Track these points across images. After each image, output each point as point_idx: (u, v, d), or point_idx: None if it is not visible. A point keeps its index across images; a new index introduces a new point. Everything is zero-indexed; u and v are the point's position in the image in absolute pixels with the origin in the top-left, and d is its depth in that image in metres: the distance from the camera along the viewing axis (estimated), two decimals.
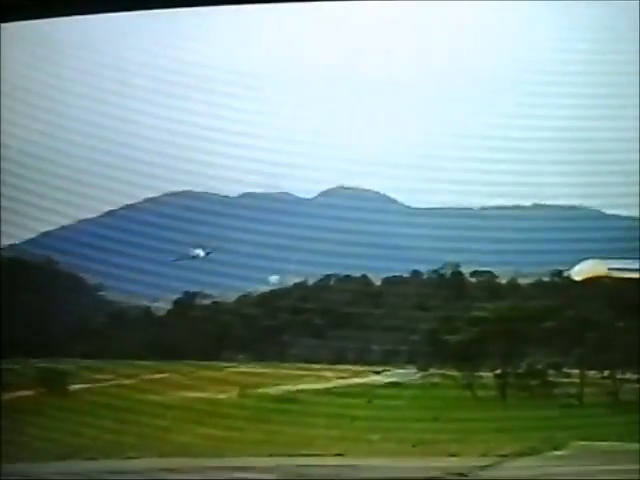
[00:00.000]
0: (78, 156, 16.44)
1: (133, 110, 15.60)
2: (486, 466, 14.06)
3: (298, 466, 14.77)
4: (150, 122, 15.65)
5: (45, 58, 15.77)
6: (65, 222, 17.48)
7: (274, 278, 18.83)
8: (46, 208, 16.56)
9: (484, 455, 14.85)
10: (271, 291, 19.53)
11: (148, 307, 19.61)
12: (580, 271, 13.03)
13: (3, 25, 11.17)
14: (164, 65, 15.27)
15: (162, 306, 19.68)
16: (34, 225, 16.95)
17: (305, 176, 16.36)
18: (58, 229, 17.35)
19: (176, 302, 19.84)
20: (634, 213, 15.24)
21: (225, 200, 17.32)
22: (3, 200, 15.28)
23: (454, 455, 15.13)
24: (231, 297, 19.92)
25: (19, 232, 16.81)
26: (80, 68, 15.83)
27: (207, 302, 19.95)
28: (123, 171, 16.26)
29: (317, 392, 18.30)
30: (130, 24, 12.93)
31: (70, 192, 16.50)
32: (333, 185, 17.87)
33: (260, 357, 19.32)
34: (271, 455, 15.37)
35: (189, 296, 19.81)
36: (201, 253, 17.56)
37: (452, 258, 18.84)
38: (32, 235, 17.28)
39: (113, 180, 16.52)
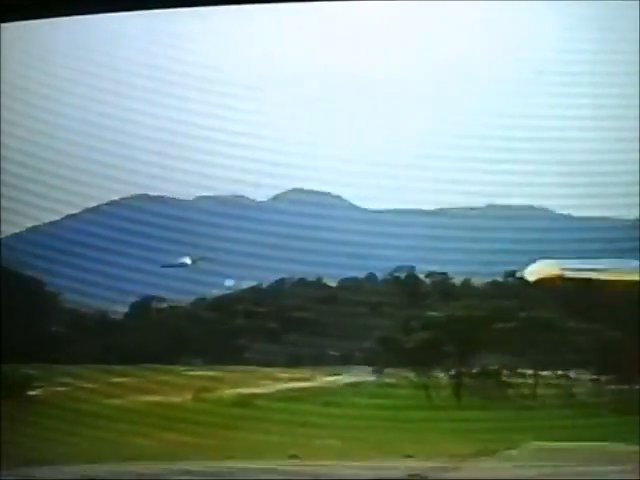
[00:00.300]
0: (78, 156, 16.32)
1: (132, 110, 15.55)
2: (442, 467, 14.02)
3: (253, 469, 14.56)
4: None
5: (45, 58, 15.58)
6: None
7: (229, 282, 18.73)
8: (45, 208, 16.56)
9: (439, 456, 14.82)
10: (226, 295, 19.37)
11: (105, 311, 19.38)
12: (533, 271, 12.99)
13: (3, 25, 11.07)
14: (163, 65, 15.18)
15: (119, 310, 19.48)
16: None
17: (260, 179, 16.33)
18: (25, 231, 17.14)
19: (132, 306, 19.63)
20: (587, 213, 15.31)
21: (182, 204, 17.27)
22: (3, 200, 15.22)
23: (410, 456, 15.08)
24: (186, 301, 19.75)
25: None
26: (80, 68, 15.70)
27: (163, 306, 19.79)
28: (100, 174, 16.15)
29: (272, 396, 18.24)
30: (130, 24, 12.98)
31: (69, 191, 16.44)
32: (288, 188, 17.70)
33: (215, 361, 19.16)
34: (226, 459, 15.17)
35: (145, 300, 19.64)
36: (188, 261, 17.46)
37: (407, 260, 18.80)
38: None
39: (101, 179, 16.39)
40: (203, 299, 19.65)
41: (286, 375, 19.17)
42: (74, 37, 14.77)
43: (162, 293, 19.21)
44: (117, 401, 17.12)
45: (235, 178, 16.18)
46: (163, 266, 17.34)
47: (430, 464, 14.40)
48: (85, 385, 17.42)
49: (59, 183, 16.12)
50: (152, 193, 17.29)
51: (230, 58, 15.41)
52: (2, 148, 14.74)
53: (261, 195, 17.89)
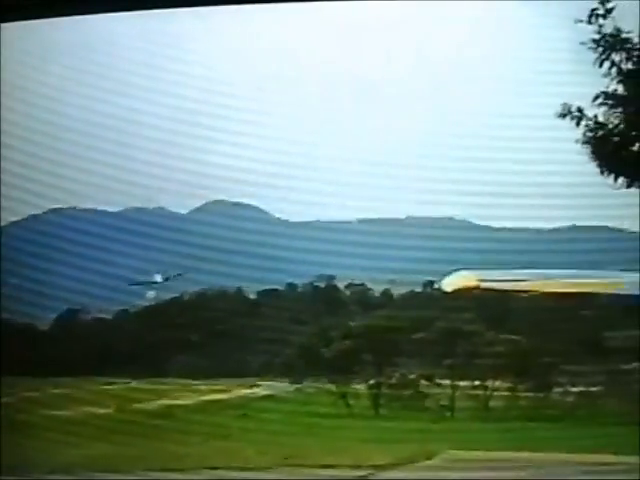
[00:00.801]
0: (78, 156, 16.11)
1: (132, 110, 15.34)
2: (359, 476, 13.91)
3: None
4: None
5: (45, 58, 15.49)
6: None
7: (151, 294, 18.48)
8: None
9: (357, 466, 14.70)
10: (148, 307, 19.10)
11: (32, 323, 18.96)
12: (451, 282, 12.91)
13: (3, 25, 10.84)
14: (163, 65, 14.96)
15: (46, 322, 19.12)
16: None
17: (180, 191, 16.19)
18: None
19: (58, 319, 19.28)
20: (506, 224, 15.36)
21: (107, 214, 17.08)
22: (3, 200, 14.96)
23: (328, 467, 14.94)
24: (110, 313, 19.45)
25: None
26: (80, 68, 15.58)
27: (87, 318, 19.48)
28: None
29: (192, 407, 18.13)
30: (130, 24, 12.60)
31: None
32: (209, 199, 17.62)
33: (138, 373, 18.85)
34: (146, 470, 14.88)
35: (70, 312, 19.31)
36: (159, 279, 17.48)
37: (327, 270, 18.76)
38: None
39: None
40: (126, 311, 19.39)
41: (206, 387, 19.07)
42: (75, 38, 14.59)
43: (87, 305, 19.01)
44: (41, 411, 16.83)
45: (159, 189, 16.11)
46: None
47: (348, 473, 14.28)
48: (9, 394, 17.07)
49: (59, 182, 16.02)
50: (80, 205, 17.17)
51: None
52: (3, 148, 14.34)
53: (183, 207, 17.83)
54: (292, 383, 18.75)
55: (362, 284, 19.12)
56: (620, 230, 14.39)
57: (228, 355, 18.99)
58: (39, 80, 15.29)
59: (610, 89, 13.02)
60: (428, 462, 14.39)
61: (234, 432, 16.03)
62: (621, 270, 12.30)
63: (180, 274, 17.59)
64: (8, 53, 12.81)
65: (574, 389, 16.99)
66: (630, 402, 15.44)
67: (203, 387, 19.05)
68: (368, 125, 16.06)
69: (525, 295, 14.22)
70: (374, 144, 16.01)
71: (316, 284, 19.17)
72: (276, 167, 15.97)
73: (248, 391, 19.20)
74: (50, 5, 9.85)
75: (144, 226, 16.94)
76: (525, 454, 13.95)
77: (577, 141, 13.21)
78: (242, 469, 14.85)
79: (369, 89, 15.87)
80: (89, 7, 10.03)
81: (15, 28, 10.59)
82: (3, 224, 16.15)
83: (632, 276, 11.82)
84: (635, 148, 12.75)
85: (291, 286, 19.11)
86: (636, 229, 13.48)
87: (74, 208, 17.13)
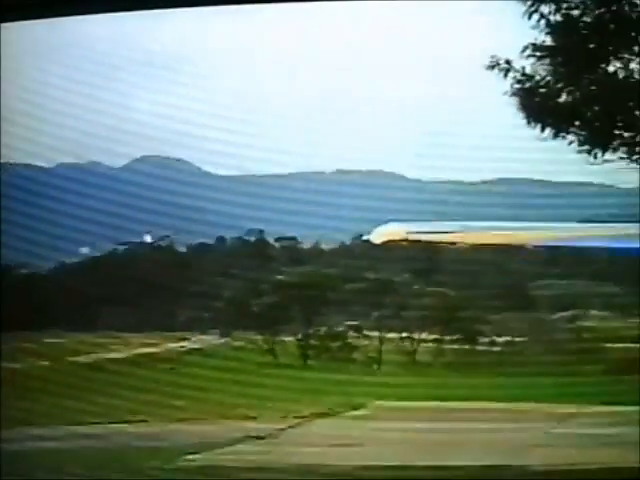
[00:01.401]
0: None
1: (132, 109, 15.24)
2: (284, 428, 13.82)
3: (104, 434, 14.29)
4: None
5: (45, 58, 15.00)
6: None
7: (84, 249, 18.19)
8: None
9: (284, 417, 14.63)
10: (81, 262, 18.76)
11: None
12: (379, 234, 12.75)
13: (3, 25, 10.54)
14: (163, 65, 14.89)
15: None
16: None
17: (112, 146, 15.81)
18: None
19: None
20: (435, 176, 15.24)
21: (42, 170, 16.53)
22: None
23: (254, 418, 14.85)
24: (45, 268, 19.08)
25: None
26: (80, 67, 15.10)
27: (22, 272, 19.09)
28: None
29: (123, 360, 17.76)
30: (130, 23, 12.13)
31: None
32: (140, 154, 17.10)
33: (72, 326, 18.53)
34: (79, 424, 14.73)
35: (4, 269, 18.91)
36: (148, 239, 17.59)
37: (257, 225, 18.54)
38: None
39: None
40: (60, 266, 19.05)
41: (137, 340, 18.72)
42: (76, 37, 14.13)
43: (22, 260, 18.72)
44: None
45: (90, 145, 15.77)
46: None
47: (275, 425, 14.22)
48: None
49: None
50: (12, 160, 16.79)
51: None
52: (2, 147, 14.12)
53: (115, 162, 17.45)
54: (221, 336, 18.48)
55: (292, 238, 18.87)
56: (546, 182, 14.36)
57: (159, 309, 18.64)
58: (39, 79, 15.00)
59: (538, 41, 12.88)
60: (354, 412, 14.34)
61: (163, 385, 15.73)
62: (547, 221, 12.25)
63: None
64: (8, 53, 12.48)
65: (500, 339, 17.06)
66: (554, 352, 15.57)
67: (135, 340, 18.73)
68: (300, 78, 15.80)
69: (453, 247, 14.13)
70: (304, 98, 15.78)
71: (246, 238, 18.92)
72: (207, 120, 15.75)
73: (178, 344, 18.93)
74: (50, 5, 9.70)
75: (75, 183, 16.67)
76: (451, 403, 13.96)
77: (505, 93, 13.09)
78: (171, 422, 15.03)
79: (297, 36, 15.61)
80: (89, 7, 9.96)
81: (15, 28, 10.44)
82: None
83: (559, 226, 11.77)
84: (562, 100, 12.66)
85: (221, 240, 18.82)
86: (562, 180, 13.45)
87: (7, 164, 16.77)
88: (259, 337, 18.00)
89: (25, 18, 10.05)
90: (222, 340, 18.43)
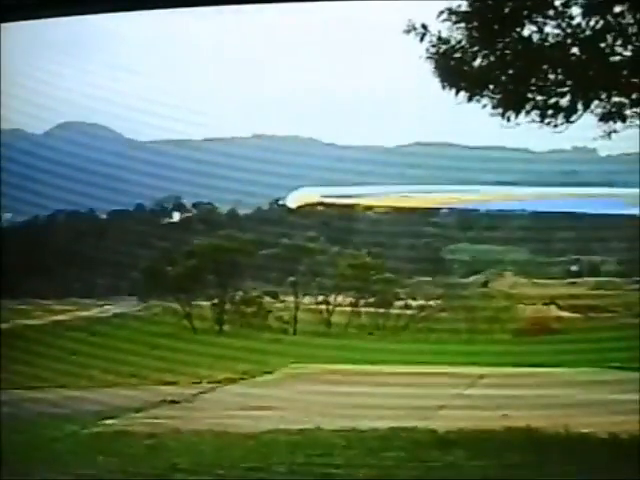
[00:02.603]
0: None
1: (133, 109, 14.72)
2: (198, 393, 13.51)
3: (23, 399, 13.69)
4: None
5: (45, 58, 14.80)
6: None
7: (7, 215, 17.65)
8: None
9: (198, 382, 14.33)
10: (2, 229, 18.23)
11: None
12: (294, 199, 12.46)
13: (3, 25, 10.08)
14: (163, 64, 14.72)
15: None
16: None
17: (33, 112, 15.25)
18: None
19: None
20: (350, 142, 15.02)
21: None
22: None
23: (170, 383, 14.53)
24: None
25: None
26: (80, 67, 15.00)
27: None
28: None
29: (41, 327, 17.53)
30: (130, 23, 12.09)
31: None
32: (60, 120, 16.75)
33: None
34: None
35: None
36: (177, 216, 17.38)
37: (174, 190, 18.16)
38: None
39: None
40: None
41: (56, 307, 18.32)
42: (76, 37, 14.16)
43: None
44: None
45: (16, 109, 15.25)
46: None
47: (188, 390, 13.92)
48: None
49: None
50: None
51: None
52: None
53: (35, 128, 16.89)
54: (138, 302, 18.20)
55: (208, 203, 18.52)
56: (461, 145, 14.16)
57: (77, 276, 18.28)
58: (39, 79, 14.58)
59: (454, 6, 12.57)
60: (268, 377, 14.08)
61: (81, 351, 15.41)
62: (462, 185, 12.06)
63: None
64: (8, 53, 12.04)
65: (414, 303, 16.91)
66: (466, 315, 15.50)
67: (53, 308, 18.38)
68: (214, 47, 15.45)
69: (368, 211, 13.87)
70: (218, 63, 15.45)
71: (164, 204, 18.53)
72: (125, 87, 15.37)
73: (96, 311, 18.52)
74: (50, 5, 9.47)
75: None
76: (364, 367, 13.76)
77: (420, 57, 12.75)
78: (87, 387, 14.63)
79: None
80: (89, 7, 9.84)
81: (15, 28, 10.10)
82: None
83: (474, 189, 11.57)
84: (476, 64, 12.35)
85: (140, 206, 18.41)
86: (476, 144, 13.26)
87: None
88: (175, 303, 17.58)
89: (25, 18, 9.83)
90: (139, 306, 18.14)
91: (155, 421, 13.14)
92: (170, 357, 15.29)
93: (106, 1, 9.74)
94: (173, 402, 13.54)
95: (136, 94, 15.31)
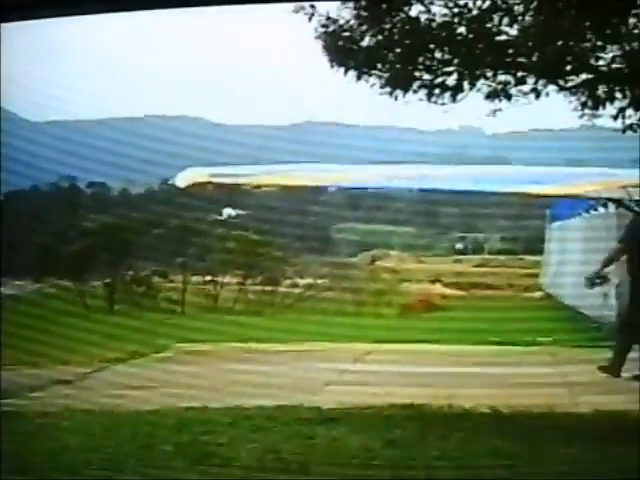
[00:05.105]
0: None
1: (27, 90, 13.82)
2: (90, 372, 12.73)
3: None
4: None
5: (45, 58, 14.47)
6: None
7: None
8: None
9: (89, 363, 13.54)
10: None
11: None
12: (183, 178, 11.71)
13: (3, 25, 9.05)
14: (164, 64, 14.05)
15: None
16: None
17: None
18: None
19: None
20: (239, 122, 14.41)
21: None
22: None
23: (63, 363, 13.72)
24: None
25: None
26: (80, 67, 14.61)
27: None
28: None
29: None
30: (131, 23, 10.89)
31: None
32: None
33: None
34: None
35: None
36: (232, 213, 16.72)
37: (69, 171, 17.34)
38: None
39: None
40: None
41: None
42: (76, 37, 13.59)
43: None
44: None
45: None
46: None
47: (79, 370, 13.12)
48: None
49: None
50: None
51: None
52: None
53: None
54: (33, 282, 17.27)
55: (101, 183, 17.73)
56: (352, 125, 13.67)
57: None
58: (39, 79, 14.11)
59: None
60: (156, 355, 13.36)
61: None
62: (351, 164, 11.51)
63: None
64: (8, 53, 11.15)
65: (302, 281, 16.42)
66: (353, 293, 15.11)
67: None
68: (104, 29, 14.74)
69: (257, 190, 13.22)
70: (110, 44, 14.66)
71: (59, 184, 17.71)
72: (27, 67, 14.56)
73: None
74: (50, 5, 8.60)
75: None
76: (253, 345, 13.19)
77: (309, 36, 12.13)
78: None
79: None
80: (89, 7, 8.83)
81: (15, 28, 9.19)
82: None
83: (363, 168, 11.03)
84: (365, 43, 11.79)
85: (34, 187, 17.56)
86: (365, 123, 12.75)
87: None
88: (69, 283, 16.75)
89: (25, 18, 9.13)
90: (34, 286, 17.22)
91: (47, 401, 12.40)
92: (62, 336, 14.53)
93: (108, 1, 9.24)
94: (65, 382, 12.81)
95: (33, 74, 14.57)
